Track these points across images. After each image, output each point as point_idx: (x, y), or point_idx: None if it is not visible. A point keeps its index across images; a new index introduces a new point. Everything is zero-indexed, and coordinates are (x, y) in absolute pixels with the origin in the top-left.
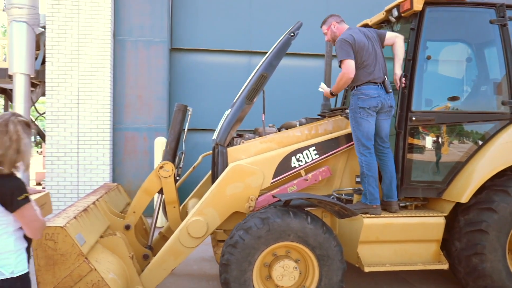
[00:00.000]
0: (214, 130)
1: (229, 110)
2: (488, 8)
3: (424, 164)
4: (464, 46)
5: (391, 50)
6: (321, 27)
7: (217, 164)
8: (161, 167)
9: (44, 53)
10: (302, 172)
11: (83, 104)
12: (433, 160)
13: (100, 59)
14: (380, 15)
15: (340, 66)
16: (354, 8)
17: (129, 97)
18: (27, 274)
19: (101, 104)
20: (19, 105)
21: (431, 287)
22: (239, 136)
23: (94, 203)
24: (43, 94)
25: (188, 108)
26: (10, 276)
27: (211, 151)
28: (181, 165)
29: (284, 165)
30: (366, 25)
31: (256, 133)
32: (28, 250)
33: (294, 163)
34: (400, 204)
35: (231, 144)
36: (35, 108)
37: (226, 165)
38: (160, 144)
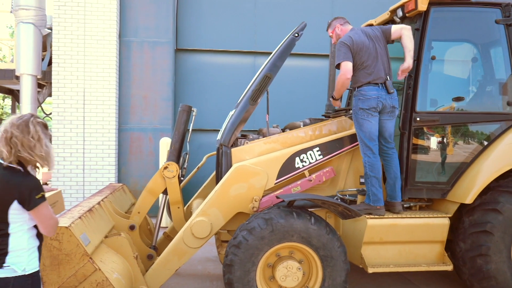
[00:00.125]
0: (219, 130)
1: (233, 110)
2: (493, 7)
3: (429, 164)
4: (469, 46)
5: (393, 51)
6: (327, 30)
7: (221, 165)
8: (165, 168)
9: (51, 54)
10: (306, 172)
11: (89, 104)
12: (438, 161)
13: (106, 60)
14: (385, 16)
15: (337, 69)
16: (359, 8)
17: (134, 97)
18: (38, 272)
19: (106, 104)
20: (26, 105)
21: None
22: (243, 136)
23: (99, 203)
24: (50, 95)
25: (192, 109)
26: (22, 274)
27: (215, 152)
28: (185, 166)
29: (288, 166)
30: (370, 26)
31: (260, 133)
32: (39, 248)
33: (298, 163)
34: (405, 205)
35: (235, 144)
36: (42, 109)
37: (230, 166)
38: (165, 144)
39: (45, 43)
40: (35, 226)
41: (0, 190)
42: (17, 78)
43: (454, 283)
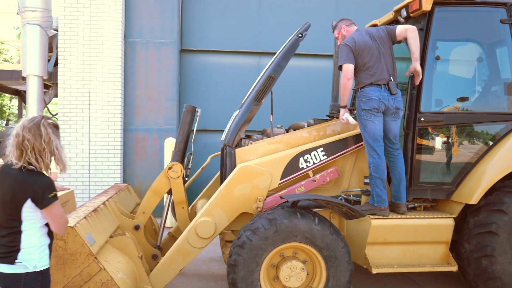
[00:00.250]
0: (223, 131)
1: (237, 111)
2: (498, 7)
3: (433, 165)
4: (474, 46)
5: (399, 51)
6: (333, 32)
7: (226, 165)
8: (170, 168)
9: (57, 55)
10: (310, 173)
11: (95, 105)
12: (442, 161)
13: (111, 60)
14: (389, 16)
15: (340, 70)
16: (363, 8)
17: (139, 98)
18: (48, 270)
19: (112, 105)
20: (32, 106)
21: None
22: (247, 137)
23: (104, 203)
24: (56, 96)
25: (196, 110)
26: (33, 270)
27: (220, 152)
28: (189, 166)
29: (292, 166)
30: (375, 26)
31: (264, 134)
32: (50, 246)
33: (302, 164)
34: (409, 205)
35: (239, 145)
36: (48, 109)
37: (234, 166)
38: (170, 144)
39: (51, 44)
40: (47, 225)
41: (14, 188)
42: (24, 79)
43: (459, 284)
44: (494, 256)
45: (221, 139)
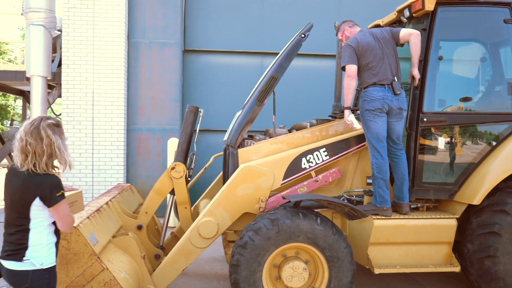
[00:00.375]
0: (226, 131)
1: (240, 111)
2: (502, 7)
3: (436, 165)
4: (477, 46)
5: (402, 51)
6: (336, 35)
7: (228, 165)
8: (172, 168)
9: (61, 55)
10: (313, 173)
11: (98, 105)
12: (445, 162)
13: (115, 61)
14: (392, 16)
15: (343, 71)
16: (366, 8)
17: (142, 98)
18: (54, 268)
19: (115, 105)
20: (36, 106)
21: None
22: (250, 137)
23: (107, 203)
24: (60, 96)
25: (199, 110)
26: (40, 268)
27: (222, 152)
28: (192, 166)
29: (294, 166)
30: (378, 26)
31: (266, 134)
32: (57, 245)
33: (304, 164)
34: (412, 206)
35: (242, 145)
36: (52, 110)
37: (237, 166)
38: (173, 145)
39: (55, 45)
40: (54, 223)
41: (23, 188)
42: (28, 79)
43: (462, 285)
44: (497, 257)
45: (224, 139)
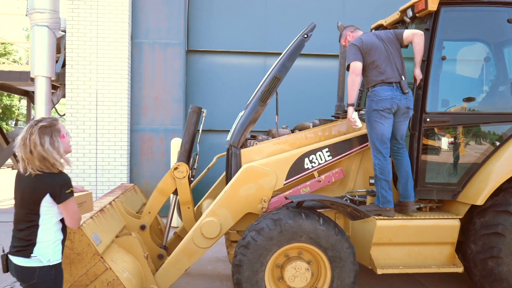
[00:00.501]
0: (229, 131)
1: (243, 111)
2: (505, 7)
3: (439, 165)
4: (480, 45)
5: (405, 51)
6: (339, 41)
7: (231, 166)
8: (175, 168)
9: (65, 56)
10: (315, 173)
11: (102, 105)
12: (448, 162)
13: (118, 61)
14: (395, 16)
15: (348, 70)
16: (370, 8)
17: (146, 98)
18: (60, 264)
19: (119, 105)
20: (40, 107)
21: None
22: (253, 137)
23: (110, 203)
24: (64, 96)
25: (202, 110)
26: (47, 264)
27: (225, 153)
28: (195, 166)
29: (297, 167)
30: (380, 26)
31: (269, 134)
32: (63, 242)
33: (307, 164)
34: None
35: (244, 145)
36: (56, 110)
37: (240, 167)
38: (176, 145)
39: (59, 45)
40: (61, 221)
41: (34, 184)
42: (32, 80)
43: (465, 285)
44: (501, 258)
45: (227, 139)
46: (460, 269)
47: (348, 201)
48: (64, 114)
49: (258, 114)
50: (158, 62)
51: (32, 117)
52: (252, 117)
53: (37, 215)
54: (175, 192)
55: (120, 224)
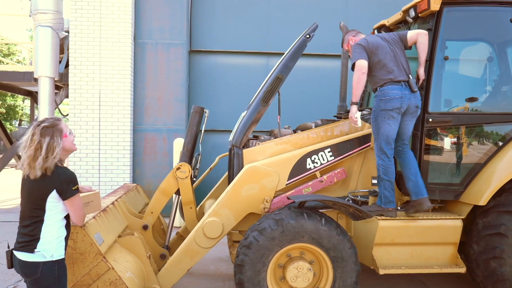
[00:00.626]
0: (232, 131)
1: (245, 112)
2: (508, 6)
3: (442, 166)
4: (483, 45)
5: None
6: (342, 46)
7: (233, 166)
8: (178, 169)
9: (68, 56)
10: (318, 173)
11: (105, 105)
12: (451, 162)
13: (121, 61)
14: (397, 16)
15: (353, 69)
16: (373, 8)
17: (149, 98)
18: (63, 260)
19: (121, 105)
20: (43, 107)
21: None
22: (255, 137)
23: (113, 203)
24: (67, 96)
25: (204, 110)
26: (50, 260)
27: (228, 153)
28: (197, 167)
29: (299, 167)
30: (383, 26)
31: (271, 134)
32: (66, 239)
33: (309, 164)
34: None
35: (247, 145)
36: (59, 110)
37: (242, 167)
38: (179, 145)
39: (62, 46)
40: (66, 217)
41: (42, 180)
42: (36, 80)
43: (467, 286)
44: (503, 258)
45: (229, 139)
46: (462, 270)
47: (350, 202)
48: (67, 114)
49: (260, 114)
50: (161, 62)
51: (35, 117)
52: (254, 117)
53: (42, 210)
54: (178, 192)
55: (123, 224)
